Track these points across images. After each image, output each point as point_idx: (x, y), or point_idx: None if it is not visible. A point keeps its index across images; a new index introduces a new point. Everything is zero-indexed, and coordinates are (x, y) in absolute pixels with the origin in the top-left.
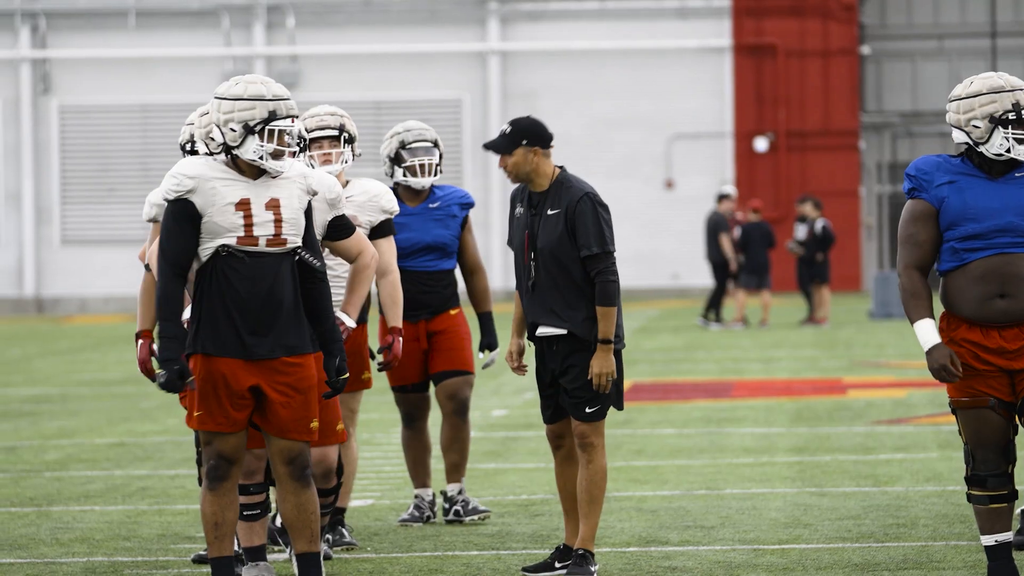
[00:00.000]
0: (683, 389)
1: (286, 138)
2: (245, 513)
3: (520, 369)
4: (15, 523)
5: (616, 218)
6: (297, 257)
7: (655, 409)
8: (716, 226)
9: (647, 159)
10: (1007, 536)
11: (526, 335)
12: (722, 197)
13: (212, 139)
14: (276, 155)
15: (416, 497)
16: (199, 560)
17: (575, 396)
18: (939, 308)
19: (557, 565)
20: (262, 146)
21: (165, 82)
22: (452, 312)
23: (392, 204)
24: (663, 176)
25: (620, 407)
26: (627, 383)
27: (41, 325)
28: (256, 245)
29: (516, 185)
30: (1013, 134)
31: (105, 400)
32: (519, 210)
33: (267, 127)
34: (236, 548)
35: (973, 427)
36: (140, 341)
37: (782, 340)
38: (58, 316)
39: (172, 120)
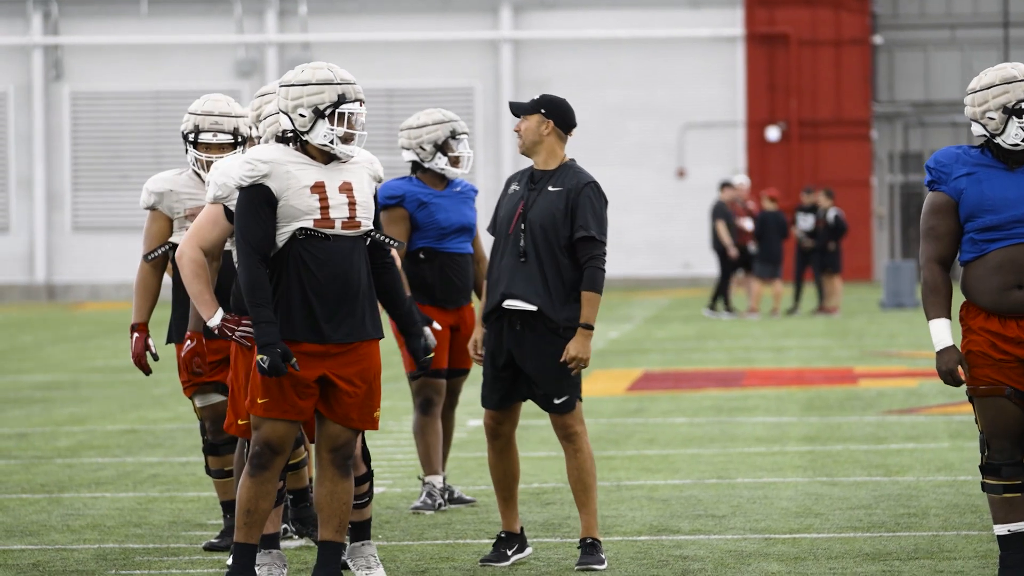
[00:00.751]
0: (694, 378)
1: (355, 122)
2: None
3: (480, 357)
4: (26, 509)
5: (628, 206)
6: (369, 240)
7: (667, 398)
8: (714, 214)
9: (659, 148)
10: (1020, 526)
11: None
12: (724, 185)
13: (257, 124)
14: (346, 139)
15: (427, 484)
16: (210, 548)
17: (541, 387)
18: (960, 298)
19: (509, 553)
20: (332, 130)
21: (177, 69)
22: (472, 305)
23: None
24: (675, 165)
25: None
26: (638, 371)
27: (52, 311)
28: (332, 228)
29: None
30: None
31: (117, 387)
32: (514, 187)
33: (336, 110)
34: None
35: (989, 415)
36: (135, 335)
37: (793, 329)
38: (69, 302)
39: (184, 107)
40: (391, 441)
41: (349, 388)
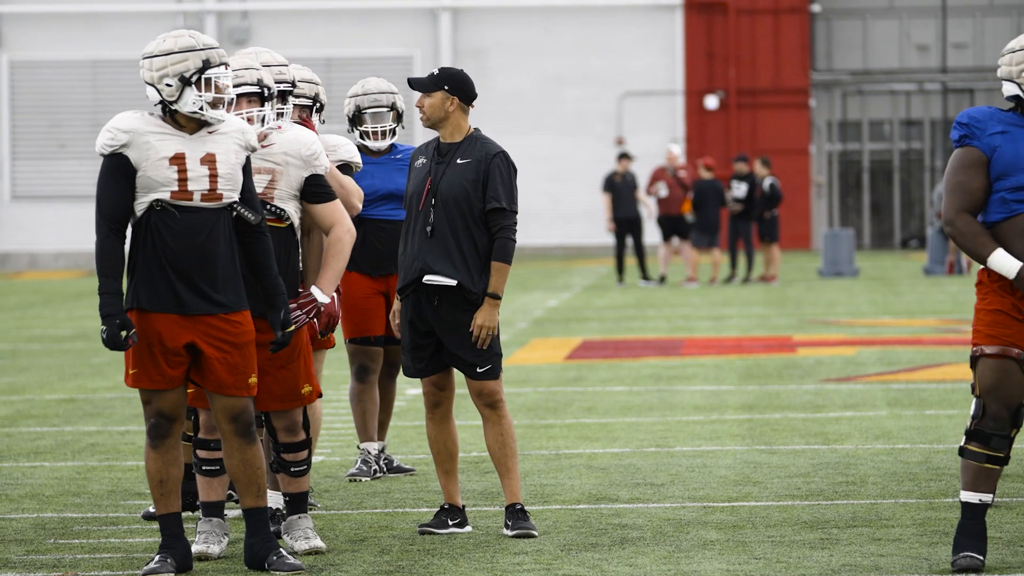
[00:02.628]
0: (633, 346)
1: (222, 86)
2: (204, 468)
3: (400, 328)
4: None
5: (566, 175)
6: (234, 212)
7: (605, 367)
8: (604, 187)
9: (598, 116)
10: (989, 498)
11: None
12: (621, 156)
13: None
14: (215, 104)
15: (362, 451)
16: (149, 517)
17: (465, 360)
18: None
19: (450, 523)
20: (200, 96)
21: (116, 37)
22: None
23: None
24: (614, 133)
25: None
26: (577, 340)
27: None
28: (191, 200)
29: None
30: None
31: (55, 356)
32: (421, 161)
33: (203, 76)
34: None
35: (994, 378)
36: None
37: (732, 298)
38: (7, 272)
39: (122, 75)
40: (330, 410)
41: (219, 355)
